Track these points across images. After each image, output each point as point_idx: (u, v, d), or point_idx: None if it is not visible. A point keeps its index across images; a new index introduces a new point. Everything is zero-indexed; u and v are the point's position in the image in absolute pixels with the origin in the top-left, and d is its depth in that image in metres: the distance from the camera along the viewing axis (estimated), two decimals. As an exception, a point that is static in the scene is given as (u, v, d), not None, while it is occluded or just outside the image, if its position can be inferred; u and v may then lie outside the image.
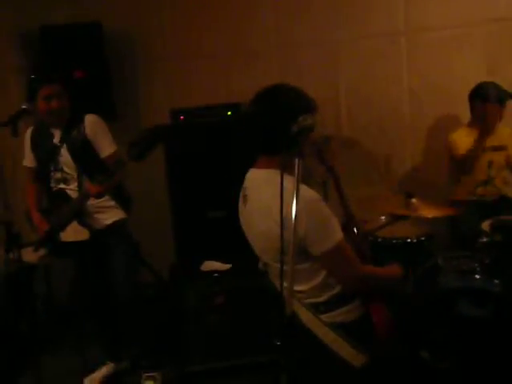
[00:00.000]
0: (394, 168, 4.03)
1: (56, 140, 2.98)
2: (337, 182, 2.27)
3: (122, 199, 3.10)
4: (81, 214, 2.95)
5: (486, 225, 3.01)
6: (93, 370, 3.19)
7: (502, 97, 3.41)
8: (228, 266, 3.33)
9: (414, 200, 2.92)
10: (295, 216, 1.52)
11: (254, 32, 4.04)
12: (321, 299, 1.95)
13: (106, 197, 2.97)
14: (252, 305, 3.09)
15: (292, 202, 1.56)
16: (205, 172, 3.70)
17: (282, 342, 1.46)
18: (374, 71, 3.94)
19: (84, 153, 2.94)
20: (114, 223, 3.05)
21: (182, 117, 3.74)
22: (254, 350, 3.03)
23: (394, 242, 3.11)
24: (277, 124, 1.82)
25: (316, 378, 2.02)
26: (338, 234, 1.86)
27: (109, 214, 3.05)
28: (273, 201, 1.73)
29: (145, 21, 4.06)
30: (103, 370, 3.20)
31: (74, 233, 2.95)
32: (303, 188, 1.80)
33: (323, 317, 1.93)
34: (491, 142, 3.52)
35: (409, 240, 3.10)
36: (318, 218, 1.83)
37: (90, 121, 2.96)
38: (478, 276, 2.81)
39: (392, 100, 3.97)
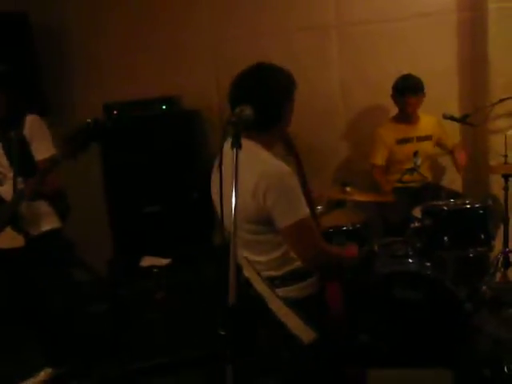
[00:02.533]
0: (329, 160, 4.11)
1: None
2: (299, 167, 2.27)
3: (60, 207, 2.99)
4: (16, 219, 2.81)
5: (416, 211, 3.14)
6: (30, 376, 3.08)
7: (418, 87, 3.55)
8: (167, 260, 3.30)
9: (348, 188, 3.02)
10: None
11: (189, 26, 4.01)
12: (278, 273, 1.98)
13: (43, 202, 2.87)
14: (193, 298, 3.08)
15: (262, 174, 1.69)
16: (140, 167, 3.64)
17: (226, 332, 1.45)
18: (305, 64, 3.99)
19: (20, 153, 2.82)
20: (49, 231, 2.93)
21: (115, 111, 3.65)
22: (197, 345, 3.02)
23: (330, 230, 3.18)
24: (268, 101, 1.89)
25: (263, 354, 2.04)
26: (305, 209, 1.88)
27: (45, 220, 2.93)
28: (247, 172, 1.78)
29: (80, 14, 3.96)
30: (41, 376, 3.09)
31: (6, 239, 2.81)
32: (276, 161, 1.88)
33: (278, 291, 1.95)
34: (416, 132, 3.69)
35: (344, 228, 3.20)
36: (288, 190, 1.85)
37: (30, 121, 2.86)
38: (410, 260, 2.93)
39: (323, 93, 4.04)
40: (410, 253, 2.96)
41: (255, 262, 1.98)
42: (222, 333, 1.45)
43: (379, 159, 3.69)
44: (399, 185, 3.62)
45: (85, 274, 3.69)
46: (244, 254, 2.00)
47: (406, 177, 3.41)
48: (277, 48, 3.93)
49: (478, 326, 3.20)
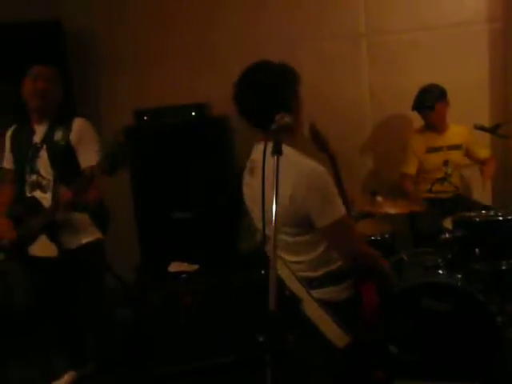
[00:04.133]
0: (356, 167, 4.10)
1: (37, 139, 2.73)
2: (335, 166, 2.27)
3: (100, 217, 2.82)
4: (52, 228, 2.65)
5: (447, 221, 3.12)
6: (55, 378, 3.08)
7: (434, 100, 3.53)
8: (195, 266, 3.31)
9: (379, 198, 3.00)
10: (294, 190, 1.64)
11: (219, 31, 4.04)
12: (315, 274, 1.98)
13: (83, 213, 2.71)
14: (220, 304, 3.09)
15: (298, 174, 1.71)
16: (169, 173, 3.66)
17: (265, 338, 1.45)
18: (335, 72, 4.00)
19: (64, 158, 2.67)
20: (88, 244, 2.76)
21: (145, 117, 3.69)
22: (225, 351, 3.02)
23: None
24: (274, 98, 1.89)
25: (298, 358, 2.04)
26: (342, 208, 1.89)
27: (83, 233, 2.75)
28: (283, 172, 1.75)
29: (108, 20, 4.00)
30: (65, 379, 3.08)
31: (40, 247, 2.68)
32: (310, 161, 1.88)
33: (314, 292, 1.95)
34: (446, 141, 3.67)
35: (373, 238, 3.19)
36: (325, 190, 1.86)
37: (79, 125, 2.71)
38: (441, 271, 2.90)
39: (353, 101, 4.04)
40: (441, 264, 2.93)
41: (292, 262, 1.98)
42: (261, 339, 1.45)
43: (411, 168, 3.67)
44: (429, 195, 3.59)
45: (113, 279, 3.72)
46: (282, 255, 2.00)
47: (436, 186, 3.38)
48: (307, 55, 3.94)
49: (509, 339, 3.15)
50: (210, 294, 3.13)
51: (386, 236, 3.20)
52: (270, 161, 1.60)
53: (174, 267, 3.33)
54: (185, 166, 3.63)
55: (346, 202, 1.99)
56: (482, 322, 2.72)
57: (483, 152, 3.77)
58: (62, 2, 3.84)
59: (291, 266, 1.99)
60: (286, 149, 1.87)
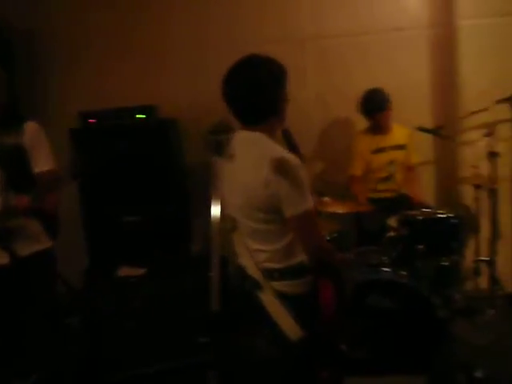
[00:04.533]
0: (307, 170, 4.14)
1: None
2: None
3: (52, 224, 2.71)
4: (3, 234, 2.54)
5: (392, 220, 3.20)
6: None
7: (381, 106, 3.64)
8: (142, 270, 3.28)
9: (326, 198, 3.05)
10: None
11: (168, 35, 4.05)
12: (277, 266, 2.00)
13: (35, 220, 2.60)
14: (169, 308, 3.06)
15: (275, 162, 1.76)
16: (116, 176, 3.61)
17: (209, 339, 1.46)
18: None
19: (15, 162, 2.55)
20: (40, 252, 2.66)
21: (91, 120, 3.63)
22: (174, 354, 2.99)
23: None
24: (262, 92, 1.94)
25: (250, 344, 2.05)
26: (311, 202, 1.93)
27: (35, 240, 2.65)
28: (259, 160, 1.87)
29: (58, 20, 3.95)
30: None
31: None
32: (286, 153, 1.93)
33: (274, 284, 1.98)
34: (391, 141, 3.78)
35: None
36: (298, 181, 1.89)
37: (32, 129, 2.61)
38: (385, 269, 2.98)
39: (299, 105, 4.10)
40: (386, 261, 3.01)
41: (258, 250, 2.01)
42: (205, 340, 1.45)
43: (357, 169, 3.76)
44: (374, 195, 3.69)
45: (61, 286, 3.63)
46: (247, 242, 2.03)
47: (381, 185, 3.46)
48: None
49: (452, 332, 3.27)
50: (159, 297, 3.10)
51: (334, 235, 3.25)
52: (248, 149, 1.72)
53: (122, 272, 3.28)
54: (133, 169, 3.60)
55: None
56: (426, 317, 2.81)
57: (414, 157, 3.88)
58: (10, 0, 3.74)
59: (255, 254, 2.02)
60: (262, 136, 1.97)
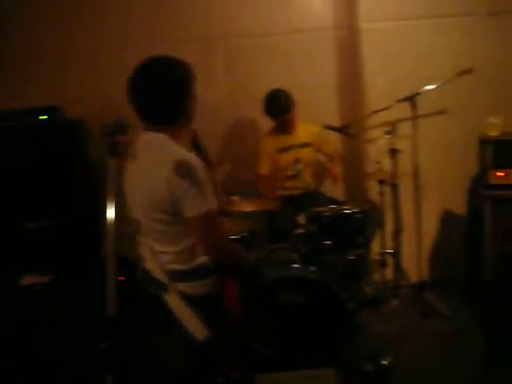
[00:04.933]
0: (216, 170, 4.15)
1: None
2: (208, 166, 2.29)
3: None
4: None
5: (301, 217, 3.27)
6: None
7: (284, 108, 3.71)
8: (47, 277, 3.15)
9: (234, 197, 3.07)
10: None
11: (70, 35, 3.95)
12: (181, 267, 2.00)
13: None
14: (77, 313, 2.97)
15: (176, 164, 1.79)
16: (18, 180, 3.44)
17: (107, 344, 1.42)
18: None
19: None
20: None
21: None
22: (80, 362, 2.89)
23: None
24: (168, 96, 1.95)
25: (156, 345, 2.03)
26: (213, 203, 1.93)
27: None
28: (161, 162, 1.87)
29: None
30: None
31: None
32: (187, 154, 1.94)
33: (179, 285, 1.97)
34: (296, 140, 3.86)
35: (232, 237, 3.25)
36: (198, 182, 1.89)
37: None
38: (295, 265, 3.04)
39: (211, 105, 4.10)
40: (296, 258, 3.06)
41: (162, 252, 2.00)
42: (104, 346, 1.42)
43: (264, 169, 3.80)
44: (284, 192, 3.74)
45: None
46: (152, 245, 2.01)
47: (289, 183, 3.53)
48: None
49: (361, 323, 3.39)
50: (65, 303, 2.99)
51: (245, 234, 3.27)
52: (151, 151, 1.77)
53: (26, 280, 3.13)
54: (36, 172, 3.44)
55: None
56: (335, 310, 2.89)
57: (329, 148, 4.01)
58: None
59: (159, 256, 2.00)
60: (165, 138, 1.97)
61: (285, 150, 3.82)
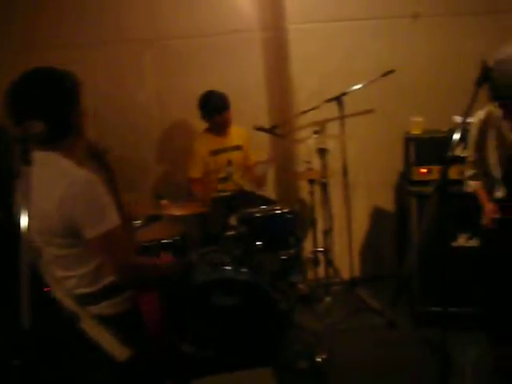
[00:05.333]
0: (147, 173, 4.10)
1: None
2: (111, 180, 2.21)
3: None
4: None
5: (232, 219, 3.26)
6: None
7: (221, 106, 3.72)
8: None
9: (164, 201, 3.03)
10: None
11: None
12: (90, 289, 1.89)
13: None
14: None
15: (67, 184, 1.68)
16: None
17: (20, 360, 1.36)
18: (123, 77, 3.96)
19: None
20: None
21: None
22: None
23: (146, 245, 3.17)
24: (55, 111, 1.81)
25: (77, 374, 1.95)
26: (114, 219, 1.82)
27: None
28: (53, 183, 1.76)
29: None
30: None
31: None
32: (81, 171, 1.82)
33: (91, 308, 1.88)
34: (229, 142, 3.86)
35: (164, 241, 3.21)
36: (95, 200, 1.79)
37: None
38: (227, 267, 3.03)
39: (142, 107, 4.04)
40: (227, 260, 3.05)
41: (67, 277, 1.89)
42: (17, 363, 1.35)
43: (196, 172, 3.77)
44: (216, 194, 3.72)
45: None
46: (54, 271, 1.91)
47: (221, 186, 3.51)
48: (94, 60, 3.86)
49: (296, 322, 3.43)
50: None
51: (177, 238, 3.24)
52: (42, 171, 1.63)
53: None
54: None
55: (124, 217, 1.96)
56: (268, 310, 2.90)
57: (253, 158, 4.01)
58: None
59: (63, 282, 1.90)
60: (56, 157, 1.84)
61: (218, 152, 3.80)
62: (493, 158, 2.61)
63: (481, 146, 2.65)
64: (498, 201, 2.63)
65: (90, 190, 1.79)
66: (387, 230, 4.22)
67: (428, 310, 3.31)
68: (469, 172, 2.78)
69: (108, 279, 1.93)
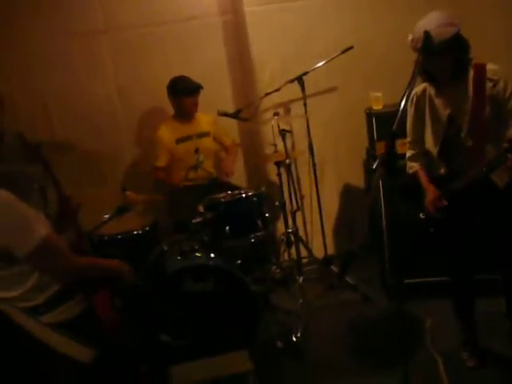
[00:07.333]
0: (115, 165, 4.08)
1: None
2: (51, 173, 2.19)
3: None
4: None
5: (200, 206, 3.26)
6: None
7: (193, 88, 3.70)
8: None
9: (128, 192, 3.03)
10: None
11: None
12: (39, 301, 1.90)
13: None
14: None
15: None
16: None
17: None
18: (79, 70, 3.92)
19: None
20: None
21: None
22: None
23: (119, 237, 3.17)
24: None
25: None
26: (42, 230, 1.83)
27: None
28: None
29: None
30: None
31: None
32: None
33: (44, 318, 1.88)
34: (195, 129, 3.83)
35: (135, 232, 3.21)
36: (14, 218, 1.78)
37: None
38: (198, 254, 3.04)
39: (102, 100, 4.00)
40: (196, 247, 3.07)
41: (10, 298, 1.88)
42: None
43: (162, 161, 3.75)
44: (187, 183, 3.69)
45: None
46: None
47: (191, 174, 3.50)
48: (48, 54, 3.80)
49: (271, 303, 3.46)
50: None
51: (147, 229, 3.24)
52: None
53: None
54: None
55: (70, 213, 1.95)
56: (241, 293, 2.93)
57: (228, 139, 4.03)
58: None
59: (9, 302, 1.88)
60: None
61: (184, 139, 3.78)
62: (429, 135, 2.54)
63: (418, 124, 2.57)
64: (439, 177, 2.55)
65: (9, 208, 1.79)
66: (358, 206, 4.25)
67: (400, 282, 3.34)
68: (408, 153, 2.67)
69: (55, 287, 1.93)
